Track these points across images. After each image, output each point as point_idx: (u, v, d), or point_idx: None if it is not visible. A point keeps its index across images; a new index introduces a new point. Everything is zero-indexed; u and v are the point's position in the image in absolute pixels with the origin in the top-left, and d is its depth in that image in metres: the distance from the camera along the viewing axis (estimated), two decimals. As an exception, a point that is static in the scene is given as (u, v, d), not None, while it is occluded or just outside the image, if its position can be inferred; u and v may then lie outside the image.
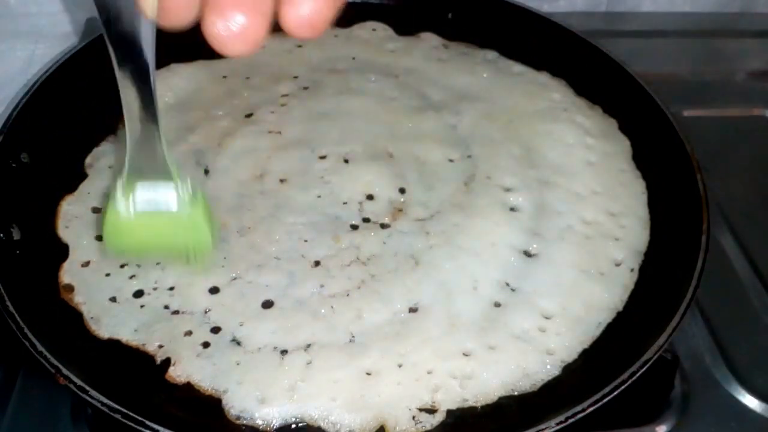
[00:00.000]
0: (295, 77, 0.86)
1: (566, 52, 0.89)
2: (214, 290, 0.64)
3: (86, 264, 0.66)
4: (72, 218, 0.70)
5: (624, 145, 0.80)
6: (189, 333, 0.61)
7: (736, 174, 0.87)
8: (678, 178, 0.73)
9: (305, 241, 0.68)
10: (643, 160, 0.78)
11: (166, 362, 0.60)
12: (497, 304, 0.65)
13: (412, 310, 0.64)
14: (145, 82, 0.47)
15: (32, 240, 0.67)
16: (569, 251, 0.69)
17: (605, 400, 0.55)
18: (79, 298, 0.64)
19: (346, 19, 0.93)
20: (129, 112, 0.48)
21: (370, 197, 0.72)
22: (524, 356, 0.61)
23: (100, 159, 0.75)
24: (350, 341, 0.61)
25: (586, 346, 0.63)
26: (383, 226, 0.70)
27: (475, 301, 0.64)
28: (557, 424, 0.53)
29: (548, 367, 0.61)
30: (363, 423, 0.57)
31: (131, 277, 0.65)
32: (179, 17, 0.41)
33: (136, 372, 0.59)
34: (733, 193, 0.85)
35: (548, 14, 0.93)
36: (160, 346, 0.60)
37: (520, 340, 0.62)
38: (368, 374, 0.59)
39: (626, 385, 0.56)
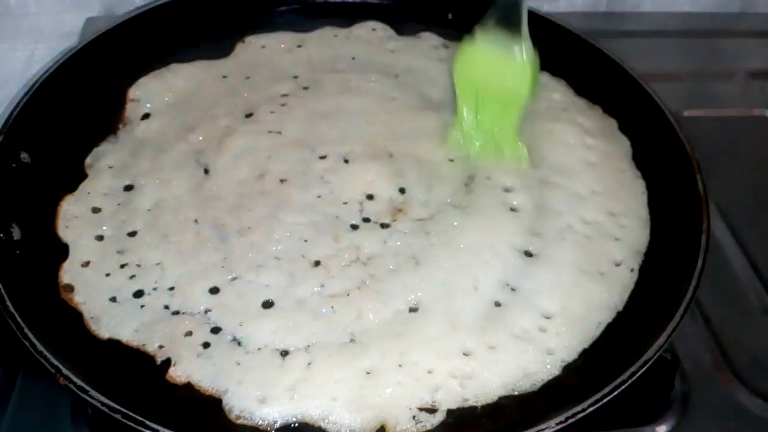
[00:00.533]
0: (295, 77, 0.86)
1: (566, 52, 0.88)
2: (214, 290, 0.64)
3: (86, 264, 0.66)
4: (72, 218, 0.70)
5: (624, 145, 0.80)
6: (189, 333, 0.61)
7: (736, 174, 0.87)
8: (678, 178, 0.73)
9: (305, 241, 0.68)
10: (643, 160, 0.79)
11: (167, 362, 0.60)
12: (497, 304, 0.65)
13: (413, 309, 0.64)
14: None
15: (32, 240, 0.67)
16: (569, 251, 0.69)
17: (605, 400, 0.55)
18: (79, 298, 0.64)
19: (346, 19, 0.93)
20: None
21: (370, 197, 0.72)
22: (524, 356, 0.61)
23: (100, 159, 0.75)
24: (350, 341, 0.61)
25: (586, 346, 0.63)
26: (383, 226, 0.70)
27: (475, 301, 0.64)
28: (557, 424, 0.53)
29: (548, 366, 0.61)
30: (363, 423, 0.57)
31: (131, 277, 0.65)
32: None
33: (136, 372, 0.59)
34: (733, 193, 0.85)
35: (548, 14, 0.93)
36: (161, 347, 0.60)
37: (520, 339, 0.62)
38: (368, 374, 0.59)
39: (626, 385, 0.56)
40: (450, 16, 0.96)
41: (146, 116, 0.80)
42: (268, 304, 0.64)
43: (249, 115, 0.80)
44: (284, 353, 0.60)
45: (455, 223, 0.70)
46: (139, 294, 0.64)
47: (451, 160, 0.77)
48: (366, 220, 0.71)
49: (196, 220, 0.69)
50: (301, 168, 0.75)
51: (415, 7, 0.96)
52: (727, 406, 0.66)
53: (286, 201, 0.71)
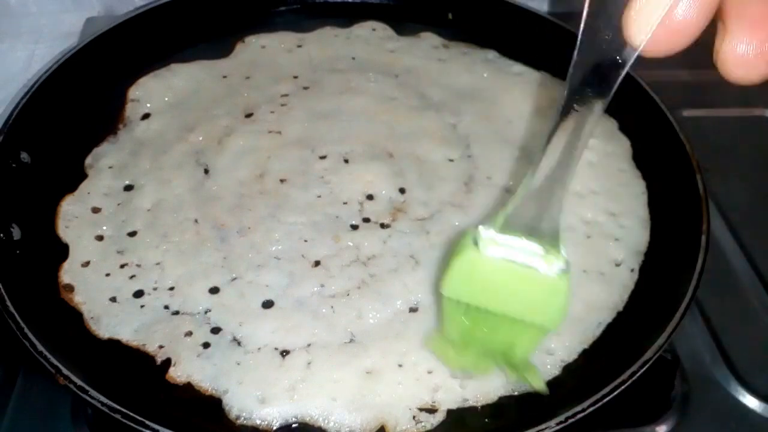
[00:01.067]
0: (295, 77, 0.86)
1: (566, 52, 0.88)
2: (214, 290, 0.64)
3: (86, 264, 0.66)
4: (72, 218, 0.70)
5: (624, 145, 0.80)
6: (189, 333, 0.61)
7: (736, 174, 0.87)
8: (678, 178, 0.73)
9: (305, 241, 0.68)
10: (643, 160, 0.78)
11: (167, 362, 0.60)
12: (497, 304, 0.64)
13: (413, 309, 0.64)
14: (584, 128, 0.40)
15: (32, 240, 0.67)
16: (569, 251, 0.67)
17: (605, 400, 0.55)
18: (79, 298, 0.64)
19: (346, 19, 0.93)
20: (548, 158, 0.43)
21: (370, 197, 0.72)
22: (524, 356, 0.61)
23: (100, 159, 0.75)
24: (350, 341, 0.61)
25: (586, 346, 0.63)
26: (383, 225, 0.70)
27: (475, 301, 0.64)
28: (557, 424, 0.53)
29: (548, 366, 0.61)
30: (363, 423, 0.57)
31: (131, 277, 0.65)
32: (675, 43, 0.34)
33: (136, 372, 0.59)
34: (733, 193, 0.85)
35: (548, 14, 0.93)
36: (161, 347, 0.60)
37: (520, 340, 0.62)
38: (368, 374, 0.59)
39: (626, 385, 0.56)
40: (450, 16, 0.96)
41: (146, 116, 0.80)
42: (268, 304, 0.64)
43: (249, 115, 0.80)
44: (284, 353, 0.60)
45: (455, 223, 0.70)
46: (139, 294, 0.64)
47: (450, 160, 0.77)
48: (366, 220, 0.71)
49: (196, 220, 0.69)
50: (301, 168, 0.75)
51: (415, 7, 0.96)
52: (727, 406, 0.66)
53: (286, 201, 0.71)
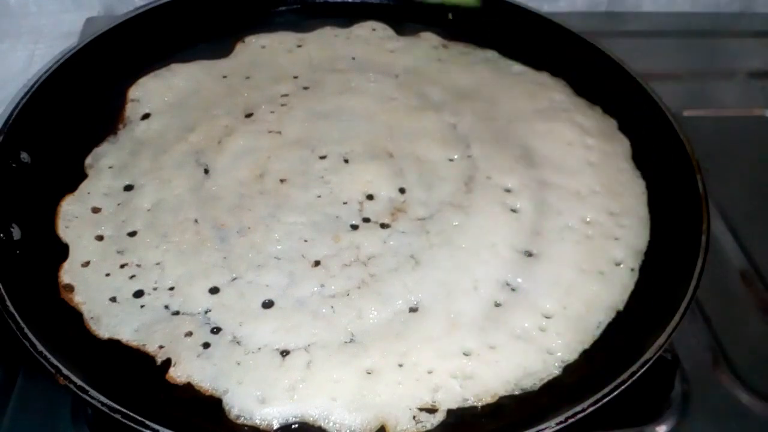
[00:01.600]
0: (295, 77, 0.86)
1: (566, 52, 0.89)
2: (214, 290, 0.64)
3: (86, 264, 0.66)
4: (72, 218, 0.70)
5: (624, 145, 0.80)
6: (189, 334, 0.61)
7: (736, 174, 0.87)
8: (678, 178, 0.73)
9: (305, 241, 0.68)
10: (643, 160, 0.79)
11: (167, 362, 0.60)
12: (497, 304, 0.65)
13: (413, 309, 0.64)
14: None
15: (32, 240, 0.67)
16: (569, 251, 0.69)
17: (605, 400, 0.55)
18: (79, 298, 0.64)
19: (346, 19, 0.94)
20: None
21: (370, 197, 0.72)
22: (524, 356, 0.61)
23: (100, 159, 0.75)
24: (350, 341, 0.61)
25: (586, 345, 0.63)
26: (383, 225, 0.70)
27: (475, 301, 0.64)
28: (557, 424, 0.53)
29: (548, 366, 0.61)
30: (363, 423, 0.57)
31: (131, 277, 0.65)
32: None
33: (136, 372, 0.59)
34: (733, 193, 0.85)
35: (548, 14, 0.93)
36: (161, 347, 0.60)
37: (520, 339, 0.62)
38: (369, 374, 0.59)
39: (626, 385, 0.56)
40: (450, 16, 0.96)
41: (146, 116, 0.80)
42: (268, 304, 0.64)
43: (249, 115, 0.80)
44: (284, 353, 0.60)
45: (455, 223, 0.70)
46: (139, 294, 0.64)
47: (450, 160, 0.77)
48: (366, 220, 0.71)
49: (196, 220, 0.69)
50: (301, 168, 0.75)
51: (415, 7, 0.96)
52: (727, 406, 0.66)
53: (286, 201, 0.71)
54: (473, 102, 0.83)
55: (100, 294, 0.64)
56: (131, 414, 0.52)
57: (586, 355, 0.62)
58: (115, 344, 0.61)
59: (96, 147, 0.76)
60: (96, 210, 0.71)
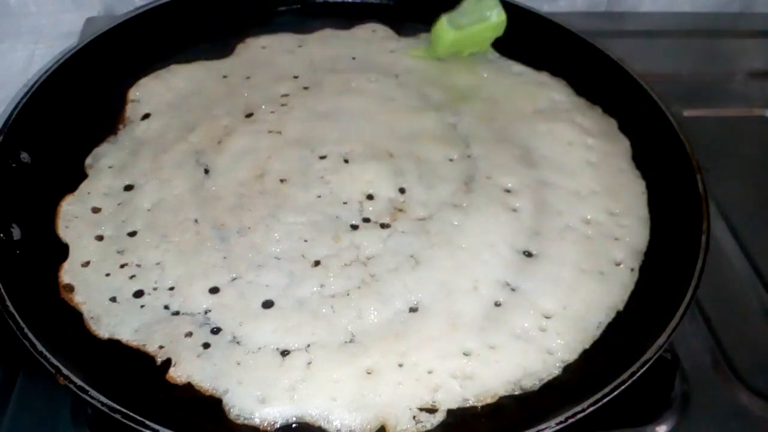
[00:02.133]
0: (296, 77, 0.86)
1: (566, 52, 0.89)
2: (214, 290, 0.64)
3: (86, 264, 0.66)
4: (72, 218, 0.70)
5: (624, 145, 0.80)
6: (189, 334, 0.61)
7: (736, 174, 0.88)
8: (678, 178, 0.73)
9: (305, 241, 0.68)
10: (643, 160, 0.79)
11: (167, 362, 0.60)
12: (497, 304, 0.65)
13: (413, 309, 0.64)
14: None
15: (32, 240, 0.67)
16: (569, 251, 0.69)
17: (605, 400, 0.55)
18: (79, 298, 0.64)
19: (346, 19, 0.94)
20: None
21: (370, 197, 0.72)
22: (524, 356, 0.61)
23: (100, 159, 0.75)
24: (350, 341, 0.61)
25: (586, 345, 0.63)
26: (383, 225, 0.70)
27: (475, 301, 0.64)
28: (557, 424, 0.53)
29: (548, 366, 0.61)
30: (363, 423, 0.57)
31: (131, 277, 0.65)
32: None
33: (136, 372, 0.59)
34: (733, 193, 0.85)
35: (548, 14, 0.93)
36: (161, 347, 0.60)
37: (520, 339, 0.62)
38: (369, 374, 0.59)
39: (626, 385, 0.56)
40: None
41: (146, 116, 0.80)
42: (268, 304, 0.64)
43: (249, 115, 0.80)
44: (284, 353, 0.60)
45: (455, 223, 0.70)
46: (139, 294, 0.64)
47: (450, 160, 0.77)
48: (366, 220, 0.70)
49: (196, 220, 0.69)
50: (301, 168, 0.75)
51: (415, 7, 0.96)
52: (727, 406, 0.67)
53: (286, 201, 0.71)
54: (473, 102, 0.83)
55: (100, 294, 0.64)
56: (131, 414, 0.52)
57: (586, 355, 0.62)
58: (115, 344, 0.61)
59: (96, 147, 0.76)
60: (96, 210, 0.71)
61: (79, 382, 0.54)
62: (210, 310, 0.63)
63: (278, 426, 0.57)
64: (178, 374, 0.59)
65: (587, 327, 0.64)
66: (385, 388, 0.58)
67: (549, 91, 0.85)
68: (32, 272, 0.64)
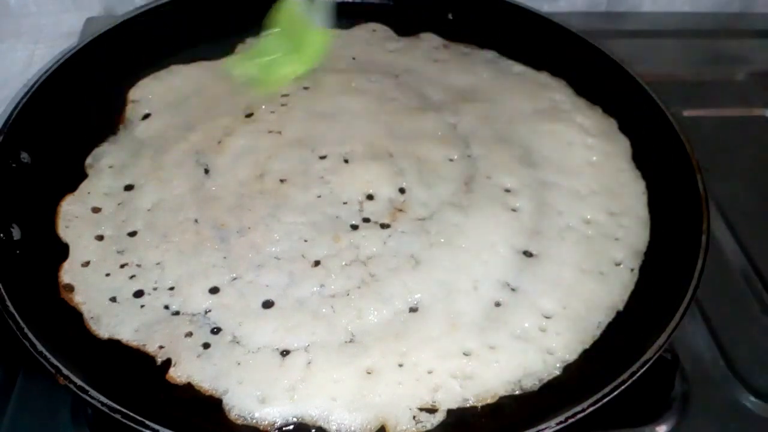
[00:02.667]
0: (296, 77, 0.86)
1: (566, 52, 0.89)
2: (214, 290, 0.64)
3: (86, 264, 0.66)
4: (72, 218, 0.70)
5: (624, 145, 0.80)
6: (189, 334, 0.61)
7: (736, 174, 0.87)
8: (678, 178, 0.73)
9: (305, 241, 0.68)
10: (643, 160, 0.79)
11: (167, 363, 0.60)
12: (497, 304, 0.65)
13: (413, 309, 0.64)
14: None
15: (32, 240, 0.67)
16: (569, 251, 0.69)
17: (605, 400, 0.55)
18: (79, 298, 0.64)
19: (346, 19, 0.93)
20: None
21: (370, 197, 0.72)
22: (524, 356, 0.61)
23: (100, 159, 0.75)
24: (350, 341, 0.61)
25: (586, 346, 0.63)
26: (383, 225, 0.70)
27: (475, 301, 0.64)
28: (557, 424, 0.53)
29: (548, 366, 0.61)
30: (363, 423, 0.57)
31: (131, 277, 0.65)
32: None
33: (136, 372, 0.59)
34: (733, 193, 0.84)
35: (548, 14, 0.93)
36: (161, 347, 0.60)
37: (520, 339, 0.62)
38: (369, 374, 0.59)
39: (626, 385, 0.56)
40: (450, 16, 0.96)
41: (146, 116, 0.80)
42: (268, 304, 0.64)
43: (249, 115, 0.80)
44: (284, 353, 0.60)
45: (455, 223, 0.70)
46: (139, 294, 0.64)
47: (450, 160, 0.77)
48: (366, 220, 0.71)
49: (196, 220, 0.69)
50: (301, 168, 0.75)
51: (415, 7, 0.96)
52: (727, 406, 0.66)
53: (286, 201, 0.71)
54: (473, 102, 0.83)
55: (100, 294, 0.64)
56: (131, 414, 0.52)
57: (586, 355, 0.62)
58: (115, 344, 0.61)
59: (96, 147, 0.76)
60: (96, 210, 0.71)
61: (79, 382, 0.54)
62: (210, 310, 0.63)
63: (278, 426, 0.57)
64: (178, 374, 0.59)
65: (587, 327, 0.64)
66: (385, 388, 0.58)
67: (549, 91, 0.85)
68: (32, 272, 0.64)
